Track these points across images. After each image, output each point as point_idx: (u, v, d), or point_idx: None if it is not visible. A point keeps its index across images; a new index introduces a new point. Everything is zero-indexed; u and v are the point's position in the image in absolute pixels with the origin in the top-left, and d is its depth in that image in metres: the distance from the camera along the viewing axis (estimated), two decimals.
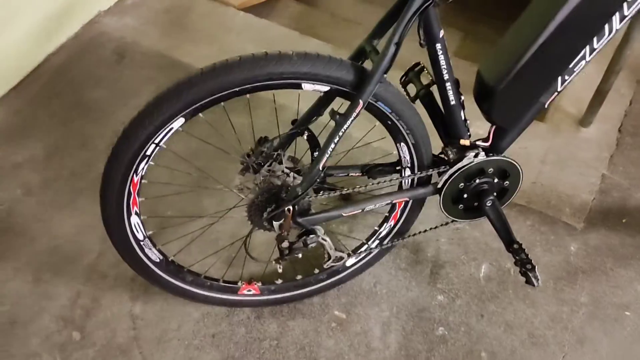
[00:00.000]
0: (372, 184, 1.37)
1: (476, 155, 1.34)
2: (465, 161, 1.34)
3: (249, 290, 1.54)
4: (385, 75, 1.17)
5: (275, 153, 1.35)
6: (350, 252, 1.49)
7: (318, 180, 1.27)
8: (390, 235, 1.52)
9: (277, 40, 2.22)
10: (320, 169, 1.23)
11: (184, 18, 2.33)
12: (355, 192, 1.36)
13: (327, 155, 1.22)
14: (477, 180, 1.38)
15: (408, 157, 1.36)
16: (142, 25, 2.29)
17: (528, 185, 1.82)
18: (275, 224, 1.30)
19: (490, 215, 1.42)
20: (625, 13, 1.19)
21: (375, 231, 1.53)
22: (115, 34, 2.24)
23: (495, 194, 1.42)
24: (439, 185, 1.37)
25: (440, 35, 1.16)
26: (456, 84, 1.26)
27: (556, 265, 1.67)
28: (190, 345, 1.55)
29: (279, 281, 1.55)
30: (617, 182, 1.83)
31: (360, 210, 1.37)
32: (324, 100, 1.31)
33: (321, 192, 1.36)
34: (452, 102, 1.27)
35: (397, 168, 1.40)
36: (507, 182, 1.41)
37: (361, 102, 1.16)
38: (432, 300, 1.61)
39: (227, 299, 1.53)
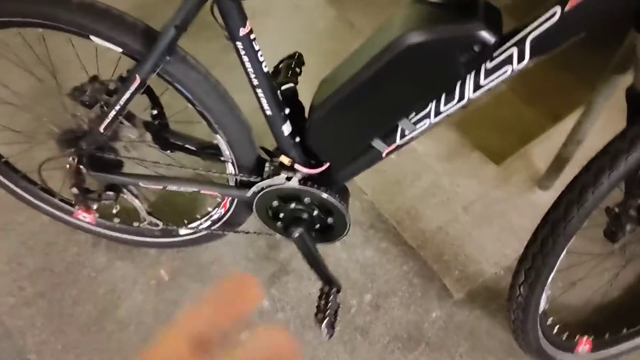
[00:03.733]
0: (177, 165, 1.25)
1: (289, 179, 1.16)
2: (275, 180, 1.17)
3: (85, 217, 1.52)
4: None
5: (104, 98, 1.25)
6: (167, 224, 1.40)
7: (104, 139, 1.18)
8: (220, 222, 1.41)
9: None
10: (102, 130, 1.14)
11: None
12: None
13: (107, 120, 1.11)
14: (294, 205, 1.21)
15: (228, 152, 1.21)
16: None
17: (431, 228, 1.57)
18: (68, 167, 1.25)
19: (299, 246, 1.25)
20: (482, 83, 0.92)
21: (209, 212, 1.42)
22: None
23: (316, 226, 1.24)
24: (248, 194, 1.22)
25: (241, 33, 0.97)
26: (274, 92, 1.07)
27: (404, 324, 1.46)
28: (24, 244, 1.60)
29: (117, 220, 1.52)
30: None
31: (162, 188, 1.26)
32: None
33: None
34: (268, 112, 1.09)
35: (222, 159, 1.25)
36: (331, 219, 1.22)
37: (137, 77, 1.03)
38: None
39: (61, 217, 1.53)
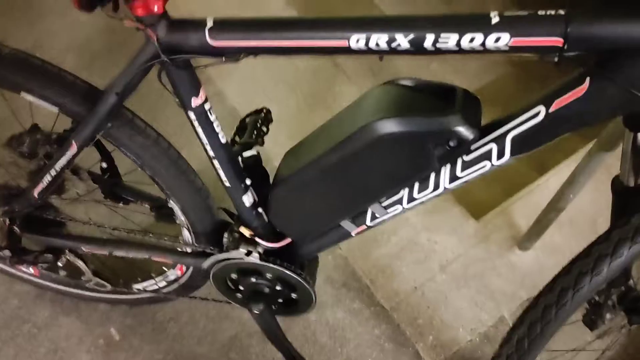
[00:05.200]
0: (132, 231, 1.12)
1: (248, 254, 1.04)
2: (234, 254, 1.05)
3: (28, 269, 1.38)
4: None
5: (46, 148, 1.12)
6: (116, 285, 1.27)
7: (37, 204, 1.05)
8: (176, 284, 1.28)
9: None
10: (36, 195, 1.01)
11: None
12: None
13: (41, 185, 0.99)
14: (254, 279, 1.09)
15: (183, 218, 1.09)
16: None
17: (406, 289, 1.47)
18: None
19: (259, 322, 1.14)
20: (459, 175, 0.82)
21: (164, 272, 1.30)
22: None
23: (279, 300, 1.12)
24: (205, 265, 1.10)
25: (194, 104, 0.85)
26: (234, 163, 0.95)
27: None
28: None
29: (63, 273, 1.38)
30: None
31: (107, 254, 1.14)
32: None
33: None
34: (226, 184, 0.97)
35: (177, 222, 1.13)
36: (295, 294, 1.10)
37: (74, 143, 0.90)
38: None
39: (1, 267, 1.39)
